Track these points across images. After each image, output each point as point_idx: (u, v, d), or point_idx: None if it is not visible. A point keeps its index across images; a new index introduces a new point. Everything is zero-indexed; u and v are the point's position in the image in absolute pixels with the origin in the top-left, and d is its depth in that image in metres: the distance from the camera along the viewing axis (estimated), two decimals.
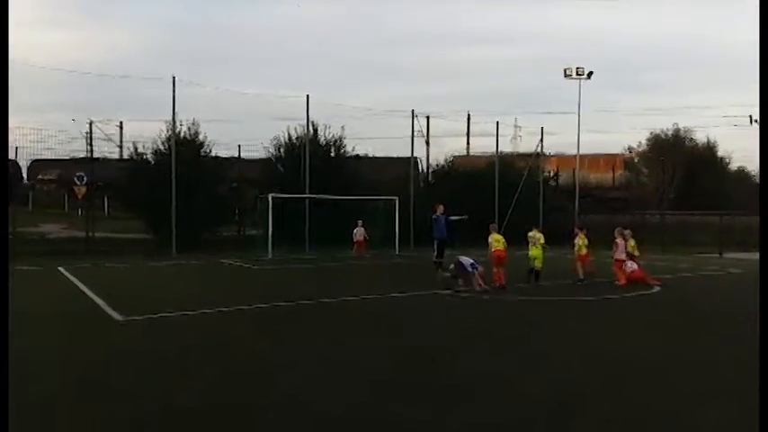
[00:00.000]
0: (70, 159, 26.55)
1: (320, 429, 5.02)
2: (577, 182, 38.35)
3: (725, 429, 5.16)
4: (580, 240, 15.96)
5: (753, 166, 69.41)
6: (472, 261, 13.37)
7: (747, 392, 6.19)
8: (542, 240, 15.31)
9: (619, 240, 15.71)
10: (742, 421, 5.32)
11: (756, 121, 45.21)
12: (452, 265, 13.45)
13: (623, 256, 15.51)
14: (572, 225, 17.17)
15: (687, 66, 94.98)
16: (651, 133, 53.25)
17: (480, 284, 13.17)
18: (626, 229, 16.75)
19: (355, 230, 23.30)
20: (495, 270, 14.04)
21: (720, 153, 53.31)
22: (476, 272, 13.23)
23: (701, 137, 53.82)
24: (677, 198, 48.39)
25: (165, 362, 7.21)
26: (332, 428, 5.05)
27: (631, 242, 16.04)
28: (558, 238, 20.52)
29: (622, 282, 15.15)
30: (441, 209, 18.78)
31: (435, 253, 18.22)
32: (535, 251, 15.06)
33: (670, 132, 52.04)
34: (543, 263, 15.00)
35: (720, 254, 26.44)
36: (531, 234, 15.59)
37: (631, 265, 15.52)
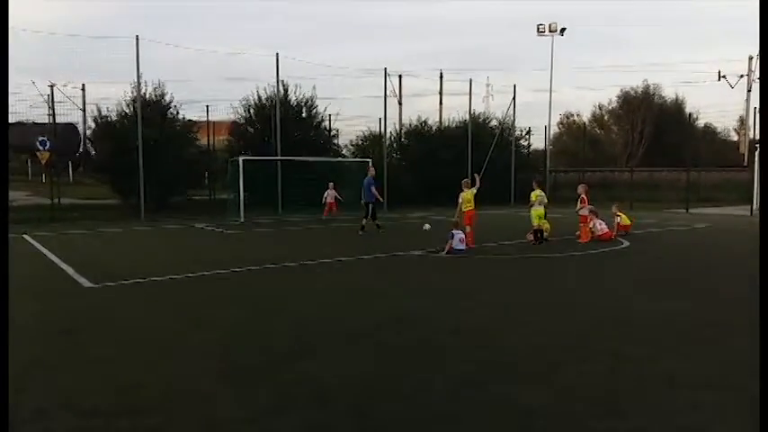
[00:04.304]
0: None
1: (316, 394, 5.03)
2: (548, 140, 38.62)
3: (696, 375, 5.31)
4: (534, 197, 15.71)
5: (719, 122, 70.63)
6: (461, 236, 13.38)
7: (717, 341, 6.43)
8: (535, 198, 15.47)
9: (584, 196, 15.82)
10: (713, 368, 5.50)
11: (724, 77, 45.80)
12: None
13: (587, 213, 15.68)
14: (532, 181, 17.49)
15: (657, 22, 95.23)
16: (621, 90, 53.72)
17: (449, 247, 13.17)
18: (582, 183, 17.13)
19: (326, 193, 23.13)
20: (467, 230, 14.13)
21: (688, 109, 54.06)
22: (451, 239, 13.25)
23: (669, 93, 54.50)
24: (645, 154, 49.16)
25: (139, 329, 7.12)
26: (326, 393, 5.06)
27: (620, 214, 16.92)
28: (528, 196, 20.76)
29: (584, 239, 15.36)
30: (372, 171, 18.55)
31: (369, 215, 17.82)
32: (540, 211, 15.11)
33: (640, 89, 52.53)
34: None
35: (687, 209, 27.05)
36: (539, 193, 15.61)
37: (600, 226, 15.75)
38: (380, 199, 18.20)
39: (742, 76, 44.25)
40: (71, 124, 26.13)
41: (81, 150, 32.46)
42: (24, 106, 22.20)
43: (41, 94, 24.26)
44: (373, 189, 17.87)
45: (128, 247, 15.60)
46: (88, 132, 26.22)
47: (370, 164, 21.22)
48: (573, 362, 5.77)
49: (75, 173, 34.37)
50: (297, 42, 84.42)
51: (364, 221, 17.59)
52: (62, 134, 29.12)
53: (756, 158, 26.42)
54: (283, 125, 26.26)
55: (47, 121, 24.26)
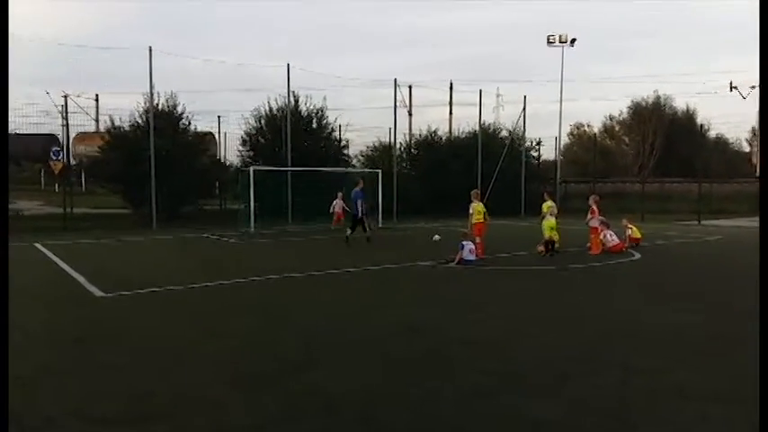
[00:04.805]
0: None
1: (323, 403, 5.03)
2: (558, 151, 38.53)
3: (706, 388, 5.26)
4: (545, 208, 15.47)
5: (731, 133, 70.28)
6: (471, 247, 13.38)
7: (727, 354, 6.36)
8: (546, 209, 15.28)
9: (594, 207, 15.68)
10: (722, 381, 5.45)
11: (736, 87, 45.59)
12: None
13: (598, 224, 15.54)
14: (543, 191, 17.37)
15: (668, 33, 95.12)
16: (632, 101, 53.58)
17: (459, 258, 13.16)
18: (593, 194, 16.96)
19: (334, 203, 23.20)
20: (477, 241, 14.08)
21: (699, 120, 53.75)
22: (461, 250, 13.25)
23: (680, 104, 54.27)
24: (657, 165, 48.93)
25: (148, 337, 7.16)
26: (336, 405, 5.06)
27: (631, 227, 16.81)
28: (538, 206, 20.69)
29: (595, 251, 15.21)
30: (360, 185, 18.39)
31: (364, 227, 17.65)
32: (552, 222, 14.72)
33: (650, 100, 52.37)
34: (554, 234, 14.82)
35: (699, 221, 26.84)
36: (551, 204, 15.45)
37: (611, 237, 15.62)
38: (360, 213, 17.84)
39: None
40: (51, 135, 26.56)
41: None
42: (21, 115, 22.42)
43: (55, 105, 24.41)
44: (359, 202, 17.67)
45: (139, 256, 15.70)
46: (101, 142, 26.42)
47: (379, 174, 21.20)
48: (583, 374, 5.73)
49: (59, 179, 34.76)
50: (306, 53, 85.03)
51: (368, 233, 17.64)
52: (43, 144, 29.79)
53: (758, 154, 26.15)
54: (294, 136, 26.39)
55: (35, 132, 24.56)
